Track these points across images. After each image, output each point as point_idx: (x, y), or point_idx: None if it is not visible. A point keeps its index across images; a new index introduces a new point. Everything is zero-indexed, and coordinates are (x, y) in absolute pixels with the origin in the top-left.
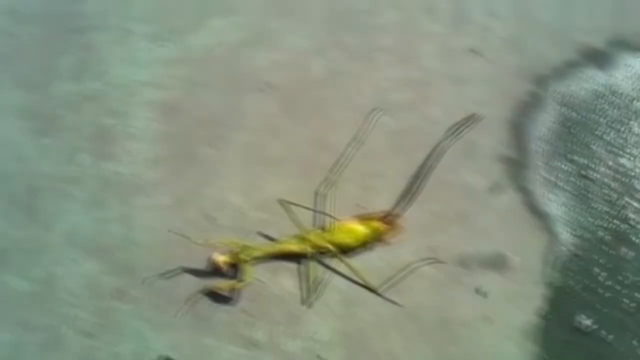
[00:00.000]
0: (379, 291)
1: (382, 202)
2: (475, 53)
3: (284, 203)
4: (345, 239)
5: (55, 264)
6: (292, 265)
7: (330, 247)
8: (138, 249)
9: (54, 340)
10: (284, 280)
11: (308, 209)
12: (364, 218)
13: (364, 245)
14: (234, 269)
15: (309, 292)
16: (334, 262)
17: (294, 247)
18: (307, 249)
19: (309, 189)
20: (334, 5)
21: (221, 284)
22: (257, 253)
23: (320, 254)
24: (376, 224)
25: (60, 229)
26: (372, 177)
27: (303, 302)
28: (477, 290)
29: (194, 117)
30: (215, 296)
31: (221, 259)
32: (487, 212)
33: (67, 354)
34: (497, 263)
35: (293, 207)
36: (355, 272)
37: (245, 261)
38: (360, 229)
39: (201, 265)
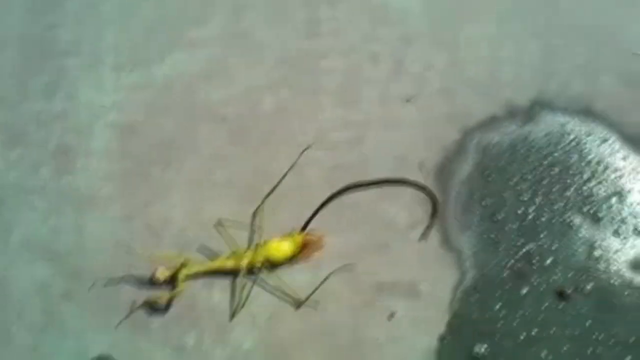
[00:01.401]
0: (300, 305)
1: (314, 229)
2: (410, 101)
3: (221, 224)
4: (274, 254)
5: (11, 267)
6: (225, 281)
7: (261, 262)
8: (87, 257)
9: (5, 335)
10: (217, 293)
11: (243, 229)
12: (288, 236)
13: (290, 259)
14: (172, 283)
15: (237, 305)
16: (263, 277)
17: (229, 263)
18: (241, 265)
19: (249, 214)
20: (287, 47)
21: (160, 296)
22: (195, 269)
23: (251, 270)
24: (298, 239)
25: (19, 234)
26: (305, 206)
27: (231, 314)
28: (391, 315)
29: (150, 140)
30: (153, 304)
31: (164, 275)
32: (406, 245)
33: (16, 347)
34: (409, 291)
35: (230, 228)
36: (282, 285)
37: (185, 276)
38: (286, 245)
39: (142, 273)
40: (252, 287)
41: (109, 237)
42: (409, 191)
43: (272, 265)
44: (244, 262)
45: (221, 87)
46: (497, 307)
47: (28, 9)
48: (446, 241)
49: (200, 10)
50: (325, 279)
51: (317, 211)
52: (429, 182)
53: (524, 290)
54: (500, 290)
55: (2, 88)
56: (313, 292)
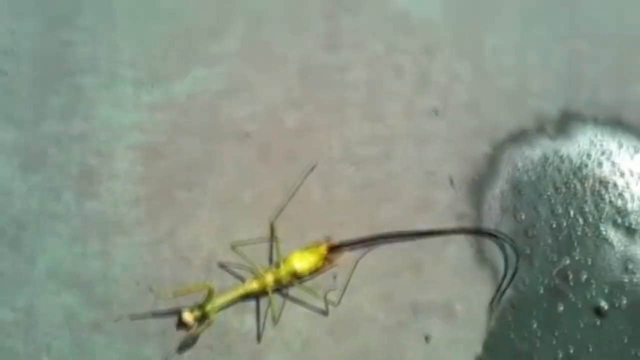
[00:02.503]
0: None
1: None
2: (437, 114)
3: (238, 245)
4: (298, 267)
5: (37, 296)
6: (254, 305)
7: (287, 277)
8: (114, 285)
9: None
10: (249, 320)
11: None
12: (310, 247)
13: (315, 270)
14: (201, 318)
15: (273, 321)
16: (292, 293)
17: (254, 285)
18: (267, 284)
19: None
20: (309, 60)
21: (190, 332)
22: (221, 300)
23: (278, 288)
24: (322, 249)
25: (43, 262)
26: (335, 225)
27: (259, 337)
28: (427, 337)
29: (174, 162)
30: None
31: (190, 317)
32: (439, 263)
33: None
34: (445, 311)
35: (253, 249)
36: (313, 293)
37: (213, 310)
38: (309, 256)
39: (171, 304)
40: (283, 304)
41: (137, 263)
42: (438, 207)
43: (299, 278)
44: (269, 280)
45: (244, 103)
46: (535, 325)
47: (42, 26)
48: (480, 259)
49: (216, 23)
50: (352, 271)
51: (358, 242)
52: (459, 197)
53: (561, 308)
54: (536, 309)
55: (18, 109)
56: (343, 292)
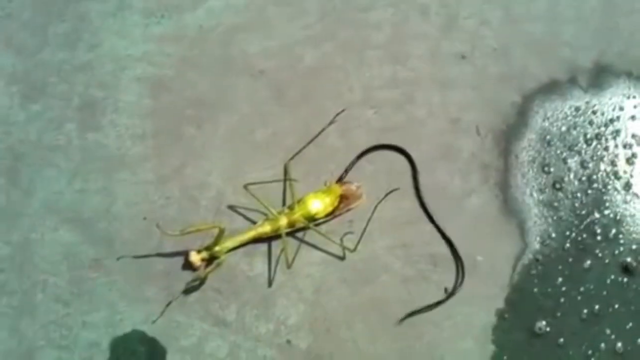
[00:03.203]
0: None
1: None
2: (464, 59)
3: (250, 186)
4: (313, 209)
5: (34, 231)
6: (265, 248)
7: (302, 220)
8: (117, 222)
9: (29, 305)
10: (258, 263)
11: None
12: (325, 189)
13: (332, 212)
14: (209, 260)
15: (286, 265)
16: (306, 237)
17: (267, 228)
18: (280, 227)
19: (292, 175)
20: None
21: (197, 273)
22: (231, 243)
23: (292, 231)
24: (337, 190)
25: (42, 196)
26: (351, 171)
27: (270, 282)
28: (445, 290)
29: (183, 97)
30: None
31: (197, 258)
32: (461, 214)
33: (41, 319)
34: (465, 264)
35: (265, 190)
36: (328, 237)
37: (221, 252)
38: (324, 197)
39: (177, 240)
40: (297, 248)
41: (141, 200)
42: (461, 155)
43: (313, 220)
44: (283, 223)
45: (259, 39)
46: (559, 281)
47: None
48: (506, 211)
49: None
50: (372, 215)
51: (356, 161)
52: (485, 146)
53: (587, 264)
54: (562, 264)
55: (19, 35)
56: (360, 238)
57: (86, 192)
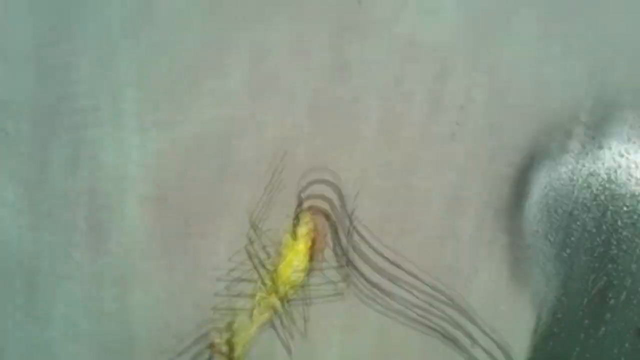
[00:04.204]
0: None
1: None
2: (454, 139)
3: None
4: (293, 275)
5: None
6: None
7: (288, 290)
8: (136, 343)
9: None
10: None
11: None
12: (290, 243)
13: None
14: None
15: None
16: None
17: (266, 312)
18: (275, 307)
19: None
20: (317, 93)
21: None
22: (244, 336)
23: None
24: (302, 240)
25: (59, 326)
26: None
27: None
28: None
29: (185, 209)
30: None
31: (218, 342)
32: (472, 292)
33: None
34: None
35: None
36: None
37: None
38: (297, 257)
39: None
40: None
41: (157, 318)
42: (467, 233)
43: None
44: (276, 303)
45: (252, 143)
46: (576, 352)
47: (38, 77)
48: (514, 285)
49: (218, 61)
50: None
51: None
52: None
53: (602, 331)
54: (577, 332)
55: (21, 167)
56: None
57: (101, 316)
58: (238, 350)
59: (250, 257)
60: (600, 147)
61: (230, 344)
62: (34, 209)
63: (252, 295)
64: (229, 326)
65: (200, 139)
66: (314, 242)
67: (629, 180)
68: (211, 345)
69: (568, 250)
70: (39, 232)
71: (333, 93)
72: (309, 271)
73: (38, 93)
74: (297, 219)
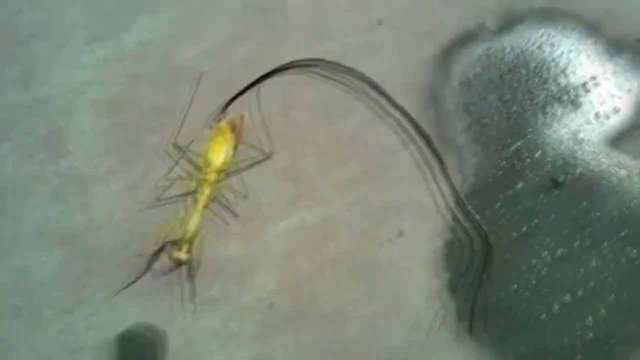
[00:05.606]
0: None
1: (311, 169)
2: (381, 24)
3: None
4: (219, 159)
5: (29, 255)
6: (237, 229)
7: (220, 174)
8: (100, 233)
9: (38, 320)
10: (232, 244)
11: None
12: (213, 133)
13: (234, 148)
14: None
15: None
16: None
17: (205, 195)
18: (211, 188)
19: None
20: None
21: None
22: (193, 224)
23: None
24: (223, 127)
25: (29, 223)
26: (298, 145)
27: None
28: (400, 232)
29: (136, 109)
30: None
31: (184, 254)
32: (402, 164)
33: (50, 330)
34: (414, 207)
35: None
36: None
37: (195, 236)
38: (218, 143)
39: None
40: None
41: (118, 209)
42: (394, 113)
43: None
44: (211, 182)
45: (193, 45)
46: (497, 205)
47: None
48: (441, 153)
49: None
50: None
51: (236, 96)
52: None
53: (520, 185)
54: (497, 190)
55: None
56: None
57: (68, 211)
58: (193, 239)
59: (181, 149)
60: (514, 24)
61: (188, 242)
62: None
63: (189, 178)
64: (180, 223)
65: (144, 44)
66: (237, 129)
67: (539, 49)
68: (177, 260)
69: (486, 119)
70: (2, 142)
71: None
72: (233, 153)
73: None
74: (219, 119)
